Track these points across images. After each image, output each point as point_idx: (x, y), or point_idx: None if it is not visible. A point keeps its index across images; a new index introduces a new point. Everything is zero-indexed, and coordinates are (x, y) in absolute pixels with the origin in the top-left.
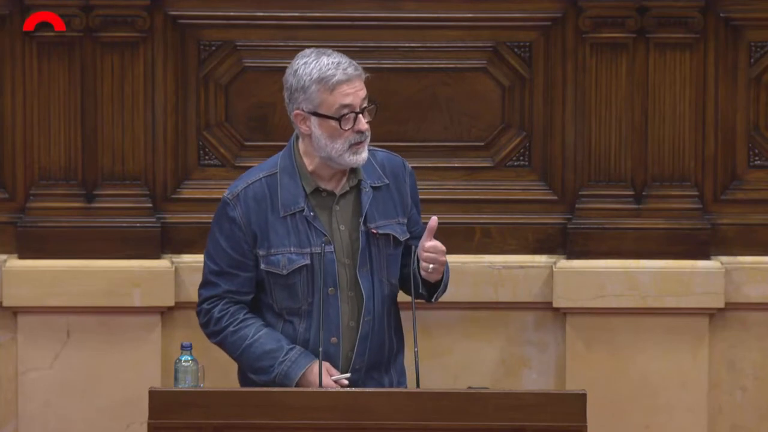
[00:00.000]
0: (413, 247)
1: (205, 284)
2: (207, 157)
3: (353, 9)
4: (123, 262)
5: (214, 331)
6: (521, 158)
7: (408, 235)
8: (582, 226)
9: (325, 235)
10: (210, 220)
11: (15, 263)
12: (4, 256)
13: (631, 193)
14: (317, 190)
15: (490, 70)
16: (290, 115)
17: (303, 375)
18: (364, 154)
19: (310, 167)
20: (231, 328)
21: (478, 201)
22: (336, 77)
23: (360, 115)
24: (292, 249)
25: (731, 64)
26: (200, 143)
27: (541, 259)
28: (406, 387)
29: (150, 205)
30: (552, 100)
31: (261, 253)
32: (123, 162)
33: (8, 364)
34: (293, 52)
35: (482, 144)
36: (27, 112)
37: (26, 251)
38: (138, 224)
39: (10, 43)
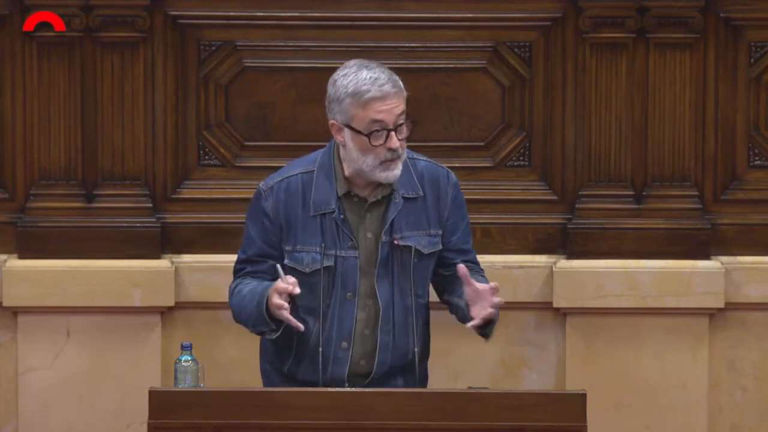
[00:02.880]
0: (458, 265)
1: (233, 274)
2: (207, 157)
3: (353, 9)
4: (123, 262)
5: (231, 306)
6: (521, 158)
7: (440, 247)
8: (582, 226)
9: (352, 240)
10: (210, 220)
11: (15, 263)
12: (4, 256)
13: (631, 193)
14: (349, 195)
15: (490, 70)
16: (328, 123)
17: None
18: (396, 171)
19: (346, 172)
20: (235, 291)
21: (478, 201)
22: (370, 93)
23: (392, 133)
24: (317, 249)
25: (731, 64)
26: (200, 143)
27: (541, 259)
28: None
29: (150, 205)
30: (552, 100)
31: (287, 248)
32: (123, 162)
33: (8, 364)
34: (293, 52)
35: (482, 144)
36: (27, 112)
37: (26, 251)
38: (138, 224)
39: (10, 43)
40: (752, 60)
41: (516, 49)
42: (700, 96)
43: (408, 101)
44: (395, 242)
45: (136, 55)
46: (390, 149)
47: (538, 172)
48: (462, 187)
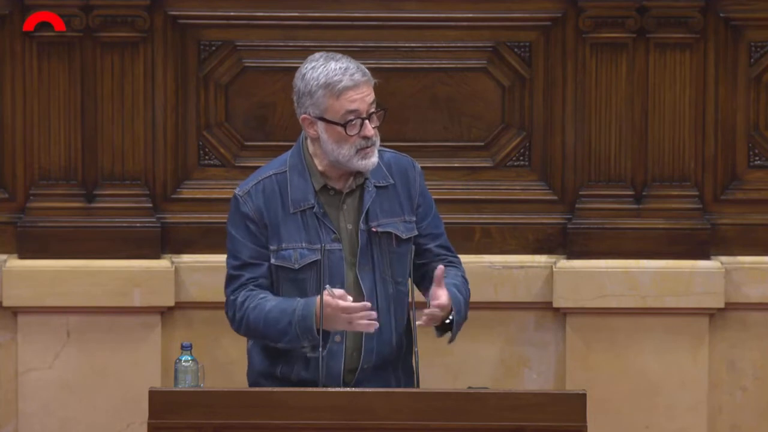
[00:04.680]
0: (430, 251)
1: (228, 282)
2: (207, 157)
3: (353, 9)
4: (123, 262)
5: (240, 318)
6: (521, 158)
7: (416, 232)
8: (582, 226)
9: (335, 233)
10: (210, 220)
11: (15, 263)
12: (4, 256)
13: (631, 193)
14: (325, 188)
15: (490, 70)
16: (299, 119)
17: (318, 306)
18: (373, 159)
19: (320, 167)
20: (251, 305)
21: (478, 201)
22: (342, 83)
23: (366, 121)
24: (303, 244)
25: (731, 64)
26: (200, 143)
27: (541, 259)
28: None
29: (150, 205)
30: (552, 100)
31: (272, 248)
32: (123, 162)
33: (8, 364)
34: (293, 52)
35: (482, 144)
36: (27, 112)
37: (26, 251)
38: (138, 224)
39: (10, 43)
40: (752, 60)
41: (516, 49)
42: (700, 96)
43: (408, 101)
44: (374, 230)
45: (136, 55)
46: (365, 137)
47: (538, 172)
48: (462, 187)
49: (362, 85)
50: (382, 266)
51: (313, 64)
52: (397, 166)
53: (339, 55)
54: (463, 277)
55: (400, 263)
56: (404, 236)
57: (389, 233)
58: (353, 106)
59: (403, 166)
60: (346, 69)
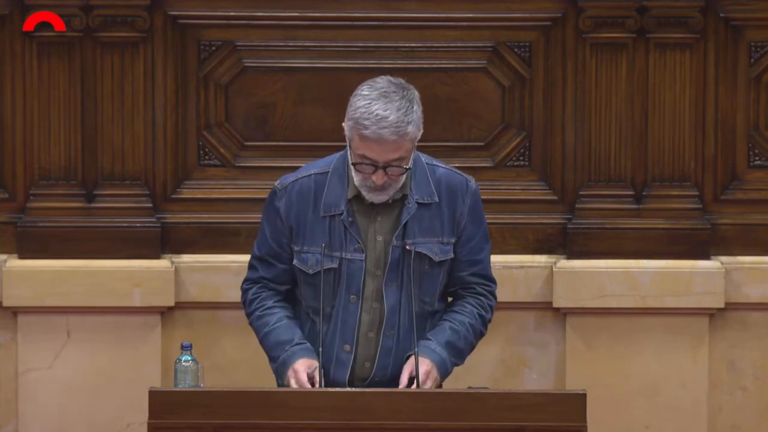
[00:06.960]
0: (462, 279)
1: (249, 267)
2: (207, 157)
3: (353, 9)
4: (123, 262)
5: (247, 314)
6: (521, 158)
7: (452, 255)
8: (582, 226)
9: (359, 243)
10: (210, 220)
11: (15, 263)
12: (4, 256)
13: (631, 193)
14: (360, 197)
15: (490, 70)
16: None
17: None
18: (382, 197)
19: None
20: (257, 313)
21: None
22: (367, 131)
23: (380, 170)
24: (321, 250)
25: (731, 64)
26: (200, 143)
27: (541, 259)
28: None
29: (150, 205)
30: (552, 100)
31: (296, 248)
32: (123, 162)
33: (8, 364)
34: (293, 52)
35: (482, 144)
36: (27, 112)
37: (26, 251)
38: (138, 224)
39: (10, 43)
40: (752, 60)
41: (516, 49)
42: (700, 96)
43: None
44: (407, 247)
45: (136, 55)
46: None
47: (538, 172)
48: None
49: (389, 143)
50: (410, 285)
51: (366, 93)
52: (447, 184)
53: (397, 95)
54: (480, 315)
55: (430, 284)
56: (437, 258)
57: (421, 253)
58: (370, 155)
59: (454, 185)
60: (382, 119)
